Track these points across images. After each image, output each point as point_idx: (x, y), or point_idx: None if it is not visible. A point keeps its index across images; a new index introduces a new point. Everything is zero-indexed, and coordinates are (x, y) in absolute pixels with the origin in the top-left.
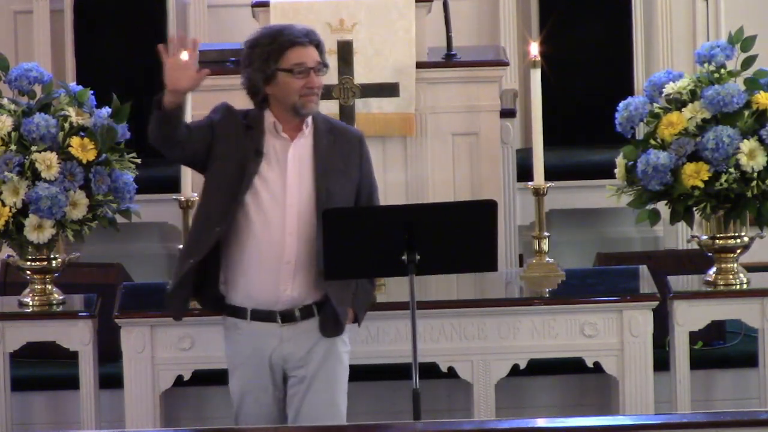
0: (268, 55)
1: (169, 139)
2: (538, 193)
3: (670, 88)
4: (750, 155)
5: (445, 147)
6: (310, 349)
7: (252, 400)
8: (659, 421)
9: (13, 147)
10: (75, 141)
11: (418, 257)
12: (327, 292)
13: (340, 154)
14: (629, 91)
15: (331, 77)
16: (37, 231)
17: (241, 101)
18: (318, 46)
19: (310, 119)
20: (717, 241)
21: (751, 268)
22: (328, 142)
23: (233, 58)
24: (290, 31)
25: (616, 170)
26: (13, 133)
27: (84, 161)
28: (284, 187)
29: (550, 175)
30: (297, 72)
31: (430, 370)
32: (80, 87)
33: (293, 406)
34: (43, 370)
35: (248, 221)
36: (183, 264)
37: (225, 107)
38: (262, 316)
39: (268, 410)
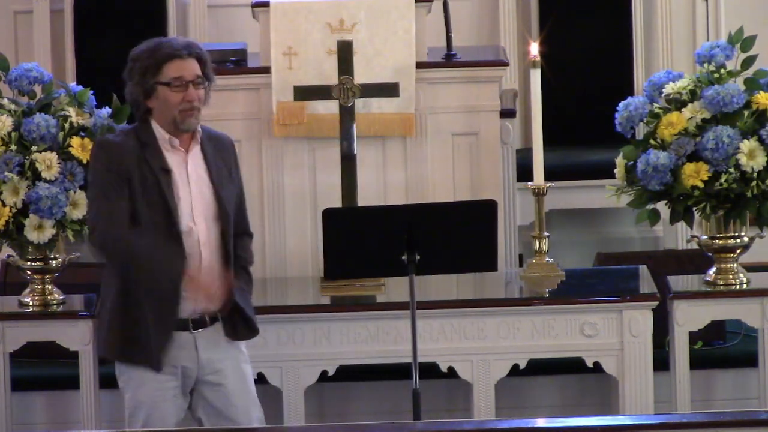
0: (146, 69)
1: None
2: (538, 193)
3: (670, 88)
4: (750, 155)
5: (445, 147)
6: (224, 353)
7: (161, 411)
8: (659, 421)
9: (13, 147)
10: (75, 141)
11: (418, 257)
12: (235, 297)
13: (224, 161)
14: (629, 91)
15: (331, 77)
16: (37, 231)
17: (242, 101)
18: (200, 58)
19: (199, 128)
20: (717, 241)
21: (751, 268)
22: (213, 151)
23: (233, 58)
24: (169, 43)
25: (616, 170)
26: (13, 133)
27: (84, 161)
28: (190, 200)
29: (550, 175)
30: (175, 85)
31: (430, 370)
32: (80, 87)
33: (214, 409)
34: (43, 370)
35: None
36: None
37: (102, 144)
38: (177, 324)
39: (175, 420)
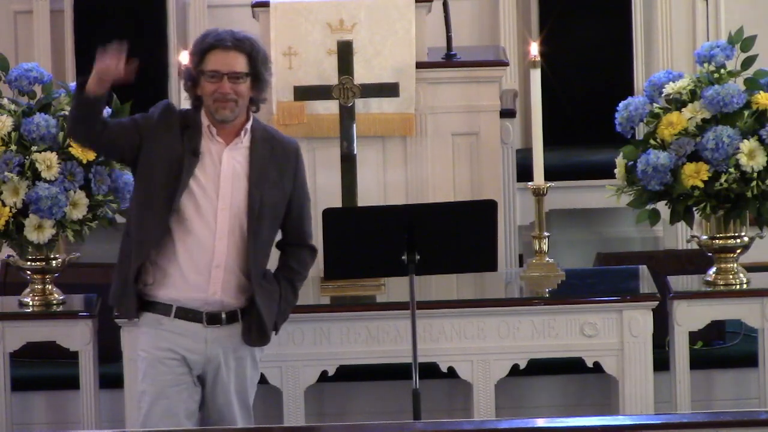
0: (194, 56)
1: (86, 125)
2: (538, 193)
3: (670, 88)
4: (750, 155)
5: (445, 147)
6: (233, 353)
7: (168, 399)
8: (659, 421)
9: (13, 147)
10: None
11: (418, 257)
12: (256, 301)
13: (276, 165)
14: (629, 91)
15: (331, 77)
16: (37, 231)
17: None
18: (249, 54)
19: (249, 126)
20: (717, 241)
21: (751, 268)
22: (264, 152)
23: None
24: (218, 34)
25: (616, 170)
26: (13, 133)
27: (84, 161)
28: (217, 191)
29: (550, 175)
30: (210, 76)
31: (430, 370)
32: None
33: (207, 406)
34: (43, 370)
35: (180, 222)
36: (127, 264)
37: (164, 106)
38: (188, 315)
39: (185, 408)
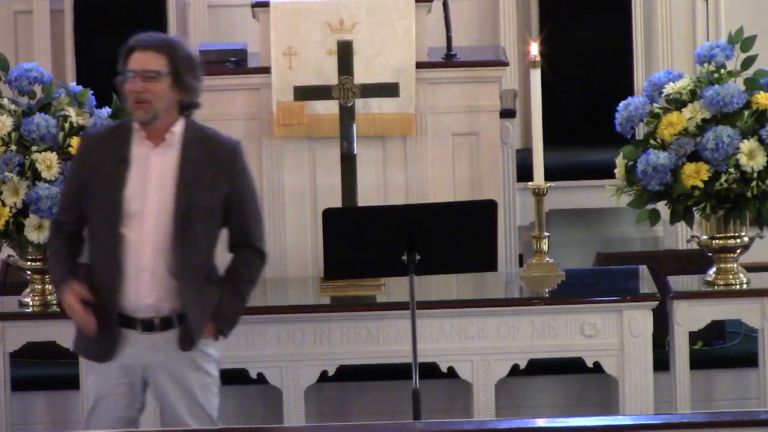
0: (121, 60)
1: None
2: (538, 193)
3: (670, 88)
4: (750, 155)
5: (445, 147)
6: (169, 359)
7: (106, 403)
8: (659, 421)
9: (13, 147)
10: (75, 141)
11: (418, 257)
12: (184, 305)
13: (209, 165)
14: (629, 91)
15: (331, 77)
16: (38, 231)
17: (242, 101)
18: (168, 54)
19: (178, 128)
20: (717, 241)
21: (751, 268)
22: (197, 153)
23: (233, 58)
24: (140, 36)
25: (616, 170)
26: (13, 133)
27: None
28: (144, 196)
29: (550, 175)
30: (128, 76)
31: (430, 370)
32: (80, 87)
33: (164, 413)
34: (43, 370)
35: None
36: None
37: (81, 138)
38: (123, 322)
39: (121, 414)
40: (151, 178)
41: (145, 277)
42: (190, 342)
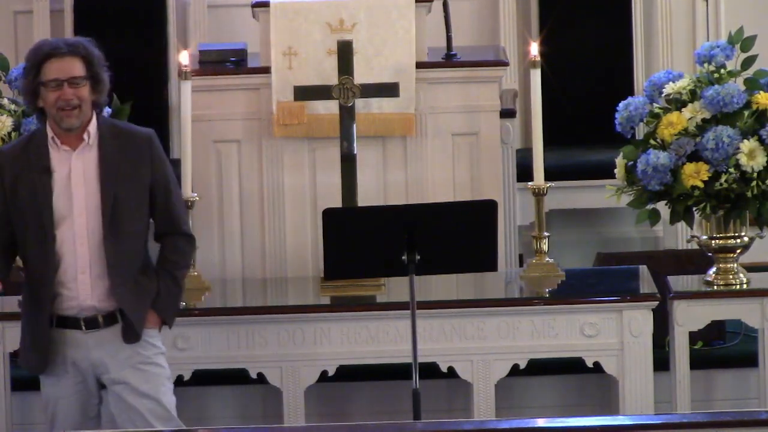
0: (29, 70)
1: None
2: (538, 193)
3: (670, 88)
4: (750, 155)
5: (445, 147)
6: (116, 354)
7: (66, 405)
8: (659, 421)
9: None
10: None
11: (418, 257)
12: (122, 300)
13: (128, 158)
14: (629, 91)
15: (331, 77)
16: None
17: (242, 101)
18: (85, 58)
19: (93, 127)
20: (717, 241)
21: (751, 268)
22: (114, 148)
23: (233, 58)
24: (50, 43)
25: (616, 170)
26: (13, 133)
27: None
28: (70, 199)
29: (550, 175)
30: (50, 86)
31: (430, 370)
32: None
33: (117, 410)
34: None
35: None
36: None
37: None
38: (67, 323)
39: (82, 414)
40: (75, 182)
41: (84, 279)
42: (134, 334)
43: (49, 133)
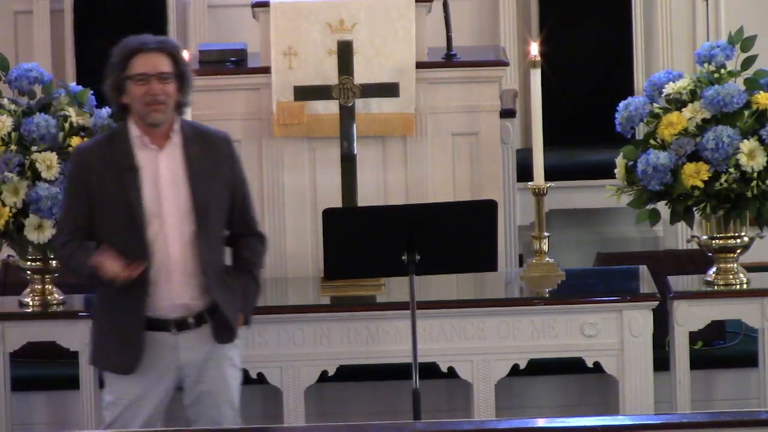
0: (116, 65)
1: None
2: (538, 193)
3: (670, 88)
4: (750, 155)
5: (445, 147)
6: (206, 355)
7: (137, 407)
8: (659, 421)
9: (13, 147)
10: (75, 141)
11: (418, 257)
12: (215, 299)
13: (211, 159)
14: (629, 91)
15: (331, 77)
16: (38, 231)
17: (242, 101)
18: (172, 55)
19: (177, 126)
20: (717, 241)
21: (751, 268)
22: (197, 148)
23: (233, 58)
24: (140, 39)
25: (616, 170)
26: (13, 133)
27: None
28: (159, 199)
29: (550, 175)
30: (137, 79)
31: (430, 370)
32: (80, 87)
33: (193, 412)
34: (43, 370)
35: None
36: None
37: (76, 154)
38: (157, 325)
39: (151, 416)
40: (164, 181)
41: (176, 278)
42: (229, 333)
43: (134, 132)
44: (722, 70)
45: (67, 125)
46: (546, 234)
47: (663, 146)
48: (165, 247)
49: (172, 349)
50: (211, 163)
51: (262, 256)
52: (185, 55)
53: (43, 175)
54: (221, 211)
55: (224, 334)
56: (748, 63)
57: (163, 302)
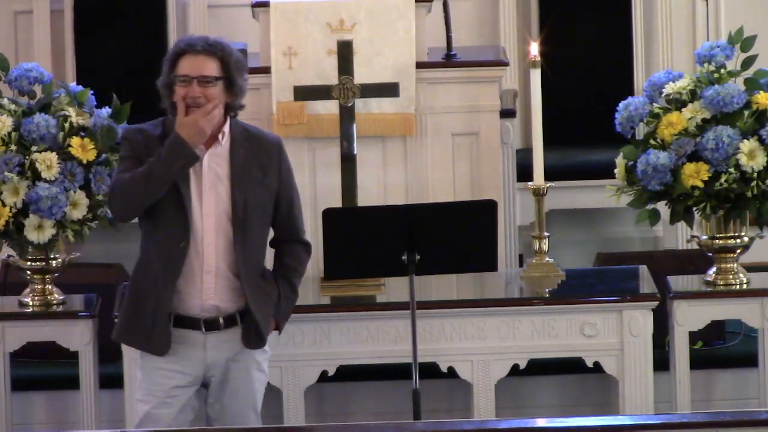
0: (168, 63)
1: (145, 201)
2: (538, 193)
3: (670, 88)
4: (750, 155)
5: (445, 147)
6: (233, 357)
7: (159, 410)
8: (659, 421)
9: (13, 147)
10: (75, 141)
11: (418, 257)
12: (249, 304)
13: (258, 163)
14: (629, 91)
15: (331, 77)
16: (38, 231)
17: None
18: (222, 59)
19: (227, 127)
20: (717, 241)
21: (751, 268)
22: (245, 151)
23: None
24: (190, 39)
25: (616, 170)
26: (13, 133)
27: (84, 161)
28: (200, 198)
29: (550, 175)
30: (181, 81)
31: (430, 370)
32: (80, 87)
33: (215, 411)
34: (43, 370)
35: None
36: (143, 297)
37: (133, 132)
38: (186, 323)
39: (181, 416)
40: (206, 181)
41: (209, 279)
42: (258, 339)
43: None
44: (722, 70)
45: (67, 125)
46: (546, 234)
47: (663, 146)
48: (200, 246)
49: (200, 348)
50: (258, 167)
51: (304, 264)
52: (237, 59)
53: (43, 175)
54: (263, 216)
55: (253, 339)
56: (748, 63)
57: (194, 301)
